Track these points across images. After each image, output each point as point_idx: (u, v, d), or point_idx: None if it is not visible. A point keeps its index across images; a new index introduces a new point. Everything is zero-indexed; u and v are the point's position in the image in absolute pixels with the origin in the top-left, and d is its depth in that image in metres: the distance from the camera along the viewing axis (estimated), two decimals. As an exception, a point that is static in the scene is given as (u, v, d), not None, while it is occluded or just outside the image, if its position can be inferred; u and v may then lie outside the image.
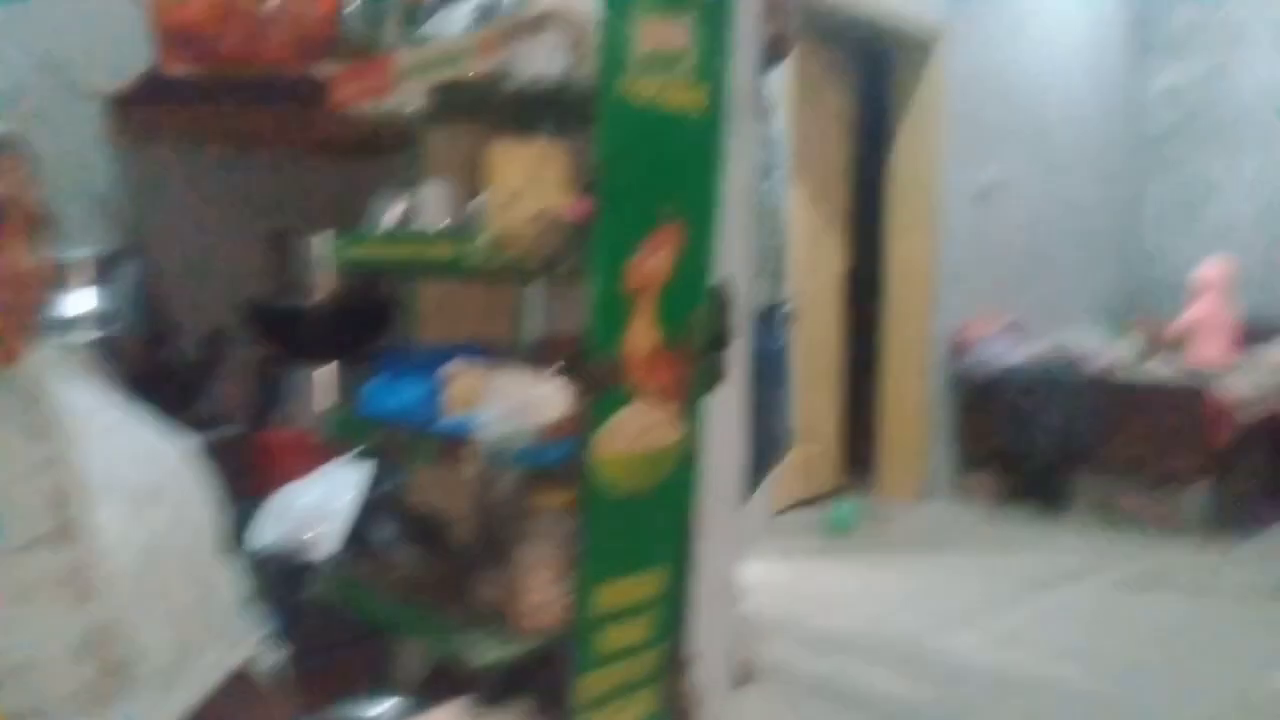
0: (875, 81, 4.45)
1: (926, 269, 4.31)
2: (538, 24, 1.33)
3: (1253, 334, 4.69)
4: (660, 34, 1.45)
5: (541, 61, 1.33)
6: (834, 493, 4.41)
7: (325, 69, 1.79)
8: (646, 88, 1.45)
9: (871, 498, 4.39)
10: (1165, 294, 4.92)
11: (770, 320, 2.35)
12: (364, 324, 2.08)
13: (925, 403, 4.38)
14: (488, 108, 1.56)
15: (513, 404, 1.41)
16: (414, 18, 1.80)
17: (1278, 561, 3.51)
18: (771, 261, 2.37)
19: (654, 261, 1.52)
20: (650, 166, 1.50)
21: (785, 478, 3.95)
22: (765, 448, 2.34)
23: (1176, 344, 4.45)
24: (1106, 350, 4.49)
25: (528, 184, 1.38)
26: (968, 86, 4.34)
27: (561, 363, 1.53)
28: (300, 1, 1.85)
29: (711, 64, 1.51)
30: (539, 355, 1.63)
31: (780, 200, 2.47)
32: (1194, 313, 4.28)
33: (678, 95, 1.49)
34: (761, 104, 2.21)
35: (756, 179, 2.17)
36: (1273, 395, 4.15)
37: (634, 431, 1.54)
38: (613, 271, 1.47)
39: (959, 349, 4.43)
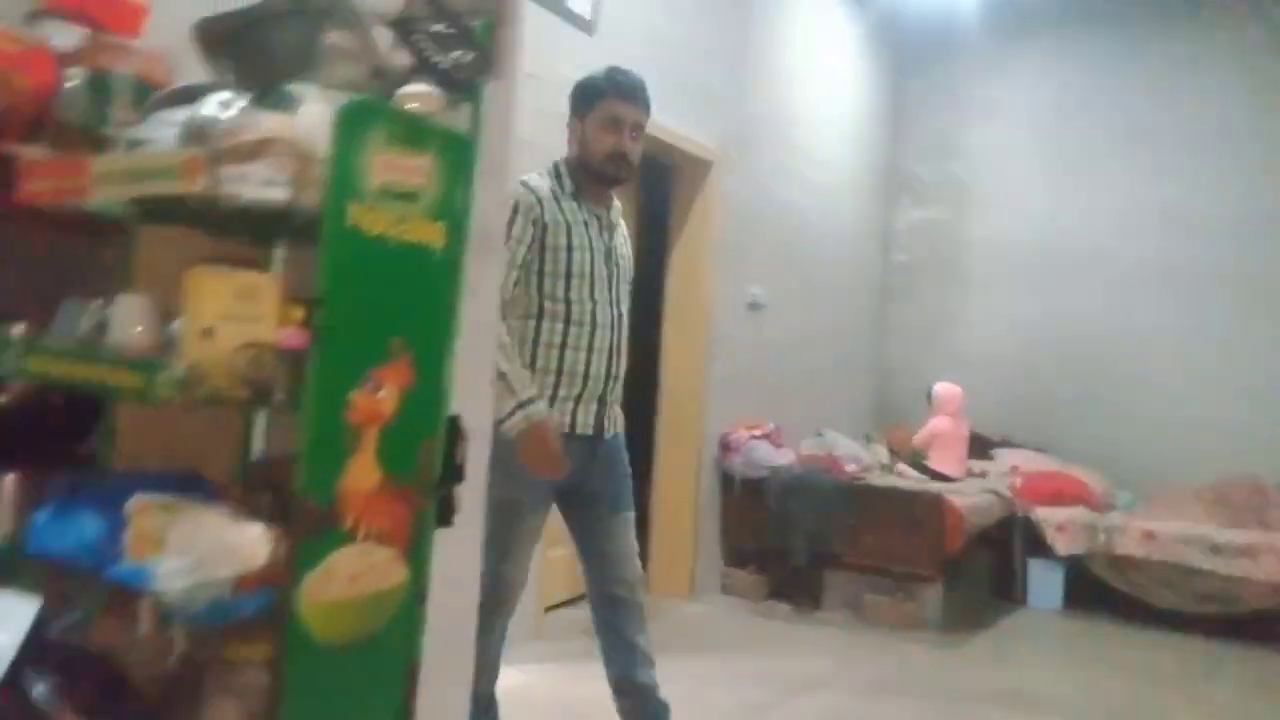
0: (655, 195, 4.63)
1: (698, 375, 4.47)
2: (256, 149, 1.26)
3: (979, 447, 5.20)
4: (396, 168, 1.41)
5: (257, 186, 1.25)
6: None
7: (27, 150, 1.61)
8: (379, 219, 1.41)
9: (643, 594, 4.40)
10: (909, 407, 5.38)
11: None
12: (57, 428, 1.85)
13: (695, 502, 4.50)
14: (202, 221, 1.45)
15: (205, 549, 1.29)
16: (142, 101, 1.67)
17: (1004, 662, 3.82)
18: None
19: (379, 395, 1.46)
20: (380, 298, 1.44)
21: (553, 575, 3.89)
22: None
23: (917, 453, 4.84)
24: (858, 456, 4.80)
25: (233, 312, 1.29)
26: (740, 210, 4.63)
27: (269, 501, 1.42)
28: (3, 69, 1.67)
29: (451, 201, 1.49)
30: (248, 489, 1.51)
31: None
32: (931, 427, 4.69)
33: (414, 229, 1.46)
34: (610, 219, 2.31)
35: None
36: (998, 504, 4.57)
37: (349, 575, 1.45)
38: (331, 405, 1.39)
39: (727, 451, 4.59)
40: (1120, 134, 5.47)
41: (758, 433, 4.64)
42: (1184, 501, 4.59)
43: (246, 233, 1.57)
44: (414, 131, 1.43)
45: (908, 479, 4.74)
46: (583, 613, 4.14)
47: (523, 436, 2.05)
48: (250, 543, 1.34)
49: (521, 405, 2.06)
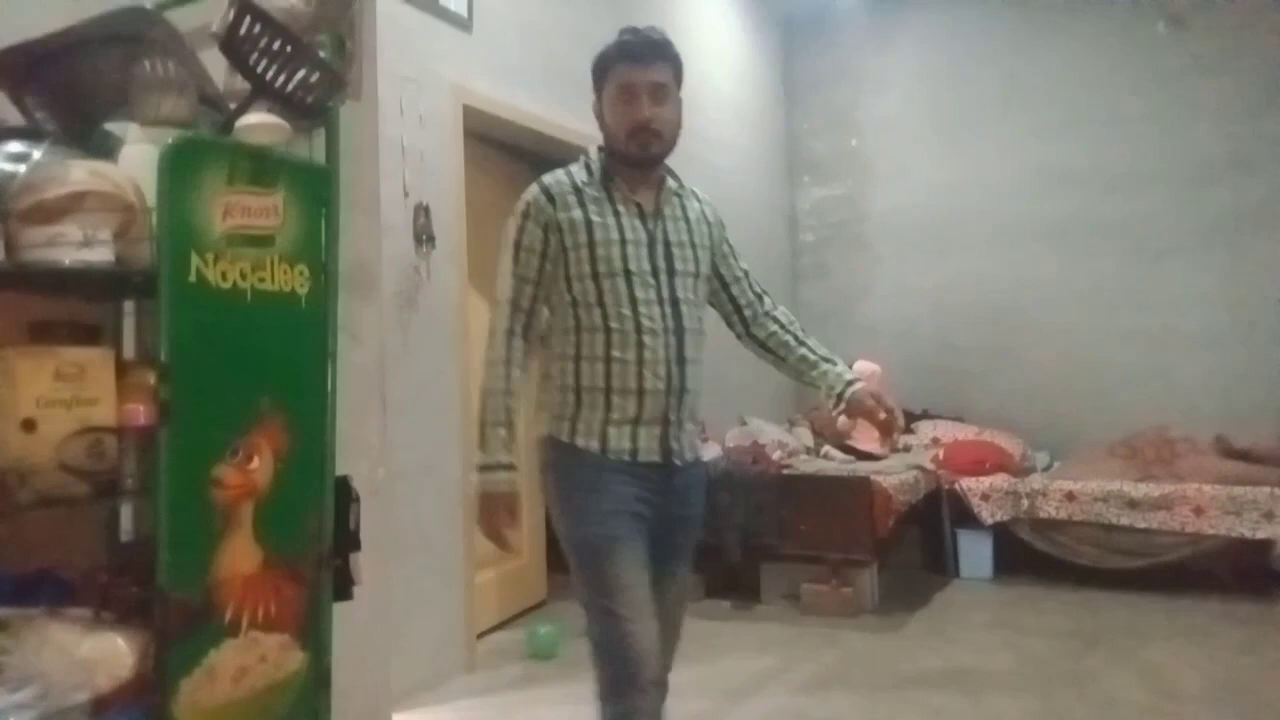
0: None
1: (614, 376, 4.34)
2: (66, 205, 1.08)
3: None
4: (243, 210, 1.25)
5: (73, 249, 1.08)
6: (539, 606, 4.25)
7: None
8: (229, 270, 1.24)
9: (579, 605, 4.28)
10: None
11: None
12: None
13: (622, 508, 4.38)
14: (16, 287, 1.26)
15: (53, 672, 1.11)
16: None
17: (943, 639, 3.82)
18: None
19: (250, 466, 1.30)
20: (240, 357, 1.28)
21: (483, 598, 3.74)
22: None
23: (840, 436, 4.82)
24: (783, 442, 4.76)
25: (58, 396, 1.11)
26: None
27: (138, 595, 1.25)
28: None
29: (312, 240, 1.34)
30: (115, 582, 1.33)
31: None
32: (853, 407, 4.65)
33: (272, 276, 1.30)
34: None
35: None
36: (923, 479, 4.58)
37: (235, 673, 1.28)
38: (192, 486, 1.22)
39: (651, 452, 4.48)
40: (999, 97, 5.55)
41: (680, 429, 4.54)
42: (1098, 459, 4.68)
43: (77, 293, 1.38)
44: (259, 166, 1.27)
45: (834, 461, 4.72)
46: (516, 635, 4.01)
47: (479, 500, 1.76)
48: (110, 654, 1.16)
49: (482, 468, 1.76)
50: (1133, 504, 4.25)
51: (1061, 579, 4.35)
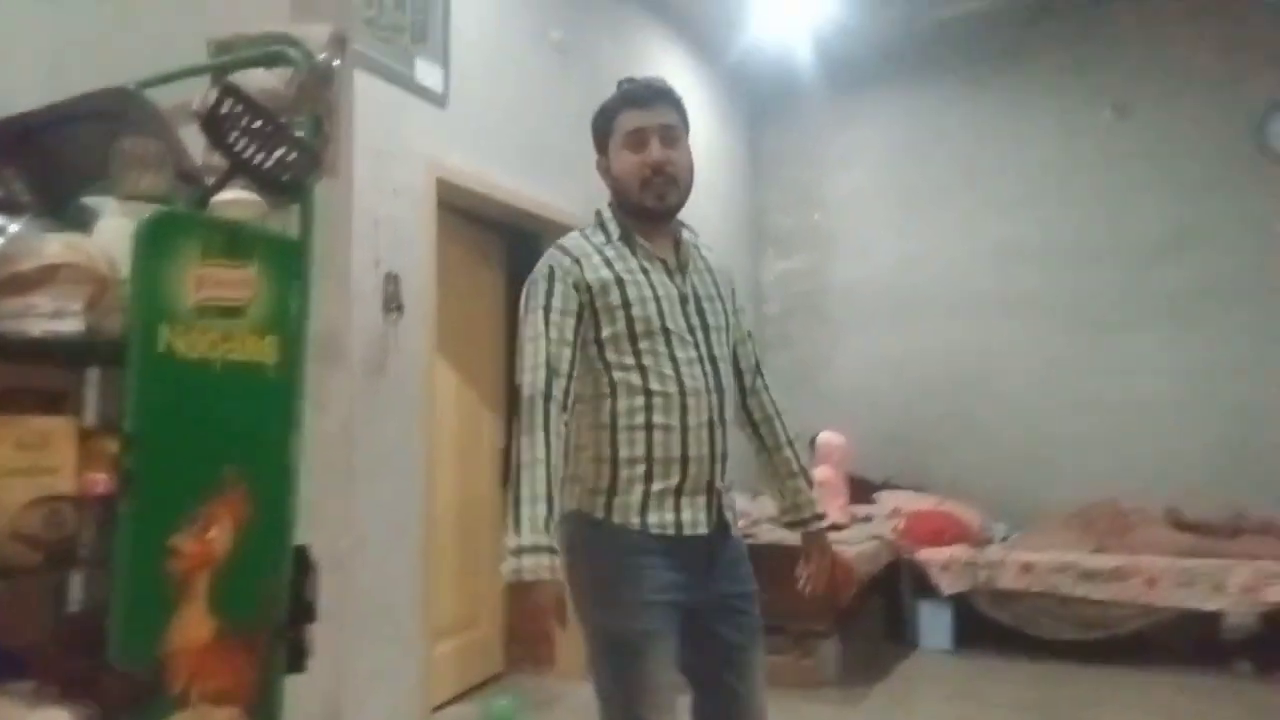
0: (525, 264, 4.54)
1: (579, 443, 4.35)
2: (40, 277, 1.11)
3: (862, 491, 5.27)
4: (215, 282, 1.28)
5: (44, 320, 1.10)
6: (497, 678, 4.18)
7: None
8: (199, 341, 1.27)
9: (537, 677, 4.22)
10: (793, 456, 5.40)
11: None
12: None
13: (585, 576, 4.34)
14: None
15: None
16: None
17: (904, 712, 3.81)
18: None
19: (209, 536, 1.30)
20: (204, 427, 1.30)
21: (439, 670, 3.67)
22: None
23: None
24: (745, 511, 4.77)
25: (16, 465, 1.12)
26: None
27: (86, 667, 1.24)
28: None
29: (283, 312, 1.37)
30: (62, 653, 1.31)
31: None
32: (815, 477, 4.70)
33: (241, 347, 1.32)
34: None
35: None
36: (884, 549, 4.62)
37: (184, 746, 1.27)
38: (149, 555, 1.23)
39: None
40: (957, 176, 5.75)
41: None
42: (1054, 529, 4.74)
43: (45, 361, 1.39)
44: (234, 241, 1.30)
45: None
46: (473, 709, 3.92)
47: (512, 591, 1.53)
48: (57, 728, 1.15)
49: (517, 551, 1.52)
50: (1088, 575, 4.31)
51: (1020, 650, 4.38)
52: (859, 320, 5.96)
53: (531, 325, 1.66)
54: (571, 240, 1.76)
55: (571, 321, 1.66)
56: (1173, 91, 5.21)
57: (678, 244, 1.79)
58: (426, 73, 3.47)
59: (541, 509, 1.54)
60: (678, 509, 1.65)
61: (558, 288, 1.67)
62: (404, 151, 3.35)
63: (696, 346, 1.70)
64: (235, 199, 1.31)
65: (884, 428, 5.63)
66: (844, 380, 5.92)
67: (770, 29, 5.18)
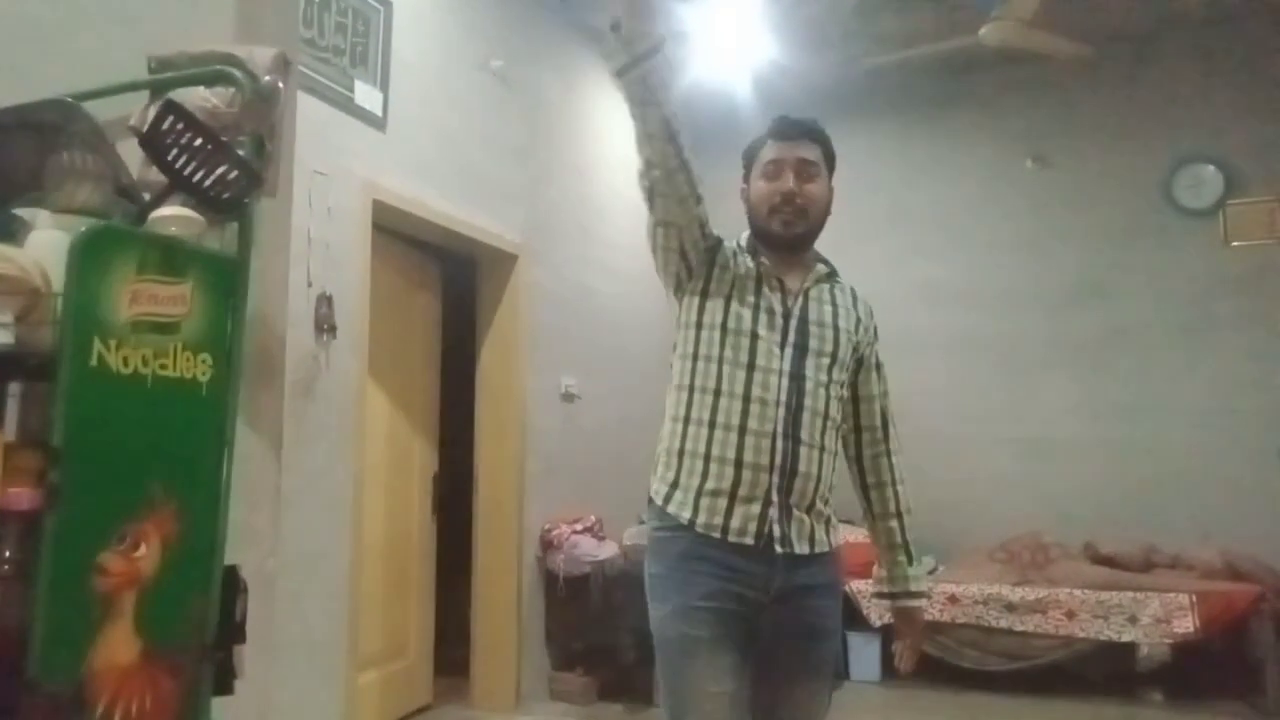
0: (463, 290, 4.54)
1: (516, 470, 4.35)
2: (-31, 287, 1.09)
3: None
4: (151, 298, 1.27)
5: (-27, 331, 1.08)
6: (424, 710, 4.11)
7: None
8: (132, 356, 1.26)
9: (466, 710, 4.16)
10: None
11: None
12: None
13: (518, 604, 4.32)
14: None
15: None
16: None
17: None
18: None
19: (136, 553, 1.28)
20: (133, 444, 1.28)
21: (368, 699, 3.60)
22: None
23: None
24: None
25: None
26: (549, 301, 4.63)
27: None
28: None
29: (217, 330, 1.36)
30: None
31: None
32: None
33: (175, 363, 1.31)
34: None
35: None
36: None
37: (101, 770, 1.24)
38: (73, 573, 1.20)
39: (549, 548, 4.47)
40: (885, 219, 5.93)
41: (579, 527, 4.55)
42: (979, 563, 4.87)
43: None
44: (170, 257, 1.30)
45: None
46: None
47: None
48: (-33, 751, 1.12)
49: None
50: (1010, 607, 4.43)
51: (946, 681, 4.47)
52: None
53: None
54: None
55: (680, 264, 1.79)
56: (1087, 146, 5.48)
57: (806, 274, 1.82)
58: (365, 95, 3.48)
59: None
60: (728, 513, 1.63)
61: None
62: (340, 172, 3.34)
63: (782, 360, 1.69)
64: (174, 215, 1.31)
65: (815, 460, 5.70)
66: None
67: (710, 67, 5.31)
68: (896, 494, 1.87)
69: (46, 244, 1.20)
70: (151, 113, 1.34)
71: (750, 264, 1.78)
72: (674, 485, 1.70)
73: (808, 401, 1.68)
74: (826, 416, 1.71)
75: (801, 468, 1.66)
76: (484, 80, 4.26)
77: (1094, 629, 4.29)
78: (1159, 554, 4.70)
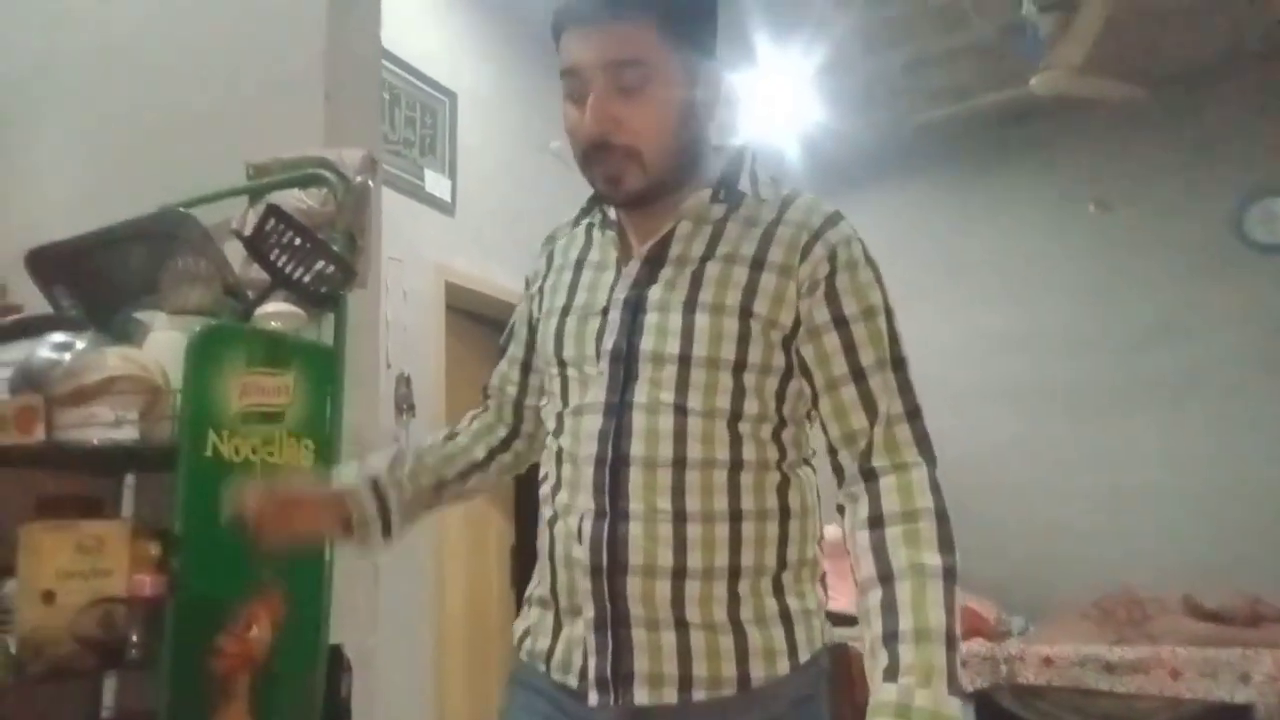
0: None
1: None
2: (100, 388, 1.17)
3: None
4: (258, 389, 1.34)
5: (104, 429, 1.16)
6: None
7: None
8: (242, 445, 1.33)
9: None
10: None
11: None
12: None
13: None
14: (39, 464, 1.33)
15: None
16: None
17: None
18: None
19: (250, 635, 1.33)
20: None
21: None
22: None
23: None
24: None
25: (75, 568, 1.16)
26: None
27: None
28: None
29: (318, 416, 1.43)
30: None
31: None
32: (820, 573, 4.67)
33: (280, 450, 1.38)
34: None
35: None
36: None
37: None
38: (193, 654, 1.25)
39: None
40: (942, 269, 5.89)
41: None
42: (1071, 621, 4.69)
43: (92, 469, 1.45)
44: (275, 350, 1.38)
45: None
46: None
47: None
48: (98, 834, 1.16)
49: None
50: (1110, 668, 4.24)
51: (1045, 746, 4.28)
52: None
53: None
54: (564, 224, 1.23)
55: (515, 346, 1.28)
56: (1150, 186, 5.41)
57: (682, 221, 1.05)
58: (435, 183, 3.63)
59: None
60: (554, 634, 1.04)
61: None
62: (413, 257, 3.48)
63: (602, 383, 1.01)
64: (277, 311, 1.39)
65: (890, 519, 5.60)
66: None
67: (760, 132, 5.42)
68: (882, 538, 0.98)
69: (164, 344, 1.28)
70: (253, 216, 1.44)
71: (582, 235, 1.16)
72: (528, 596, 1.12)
73: (635, 446, 0.98)
74: (681, 462, 0.98)
75: (632, 557, 0.96)
76: (544, 161, 4.40)
77: (1202, 689, 4.08)
78: (1265, 606, 4.47)
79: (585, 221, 1.16)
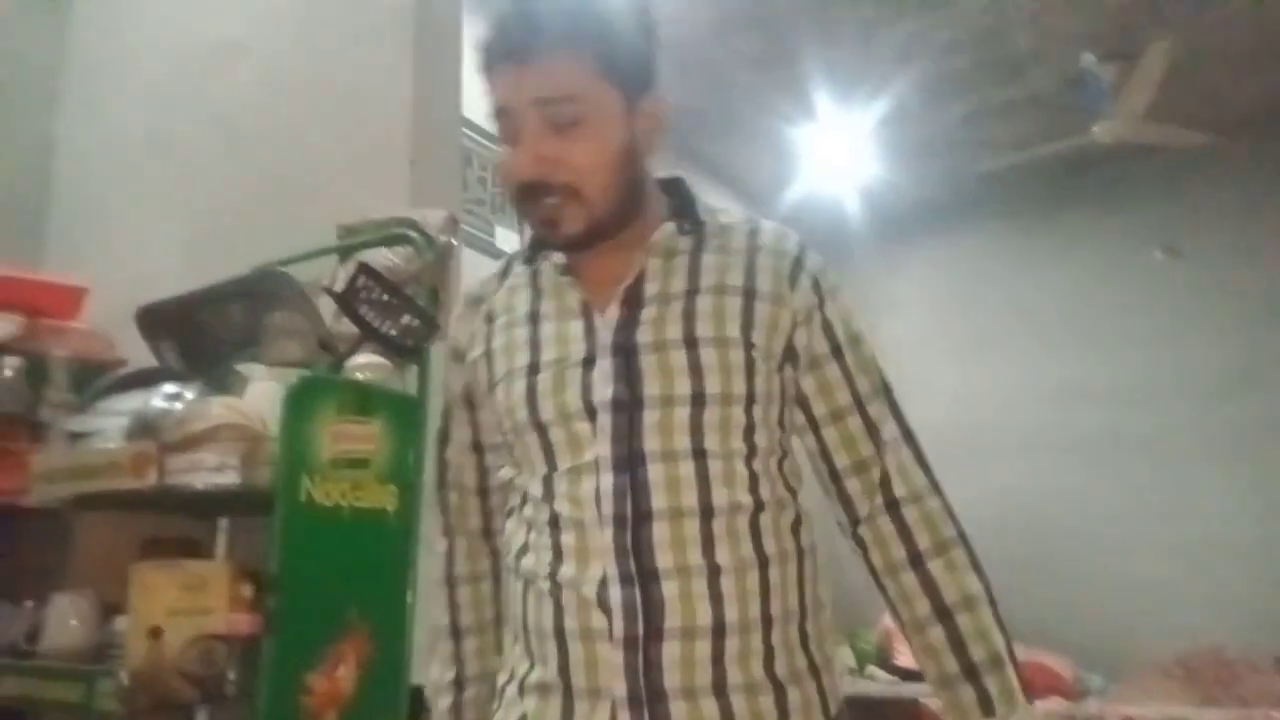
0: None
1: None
2: (206, 436, 1.26)
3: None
4: (348, 437, 1.42)
5: (209, 473, 1.24)
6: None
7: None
8: (332, 490, 1.40)
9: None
10: (865, 605, 5.30)
11: None
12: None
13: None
14: (147, 507, 1.42)
15: None
16: (80, 382, 1.66)
17: None
18: None
19: (337, 675, 1.39)
20: (335, 571, 1.41)
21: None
22: None
23: (883, 651, 4.72)
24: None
25: (181, 606, 1.23)
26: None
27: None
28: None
29: (402, 462, 1.50)
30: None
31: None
32: (886, 623, 4.61)
33: (367, 495, 1.45)
34: None
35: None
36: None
37: None
38: (287, 692, 1.31)
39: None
40: (1009, 317, 5.83)
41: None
42: (1154, 681, 4.51)
43: (192, 512, 1.53)
44: (363, 399, 1.45)
45: (879, 681, 4.59)
46: None
47: None
48: None
49: None
50: (1196, 729, 4.07)
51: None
52: (922, 465, 5.94)
53: None
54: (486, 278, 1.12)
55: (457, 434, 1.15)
56: (1218, 231, 5.32)
57: (636, 256, 0.99)
58: (504, 238, 3.76)
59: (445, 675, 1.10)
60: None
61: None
62: (485, 312, 3.59)
63: (596, 438, 0.94)
64: (366, 363, 1.47)
65: (959, 573, 5.49)
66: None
67: (819, 187, 5.47)
68: (928, 575, 1.00)
69: (263, 394, 1.37)
70: (344, 273, 1.53)
71: (522, 287, 1.06)
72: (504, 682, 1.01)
73: (656, 499, 0.92)
74: (708, 511, 0.92)
75: (669, 620, 0.90)
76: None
77: (1296, 753, 3.89)
78: (1362, 665, 4.26)
79: (518, 272, 1.07)
